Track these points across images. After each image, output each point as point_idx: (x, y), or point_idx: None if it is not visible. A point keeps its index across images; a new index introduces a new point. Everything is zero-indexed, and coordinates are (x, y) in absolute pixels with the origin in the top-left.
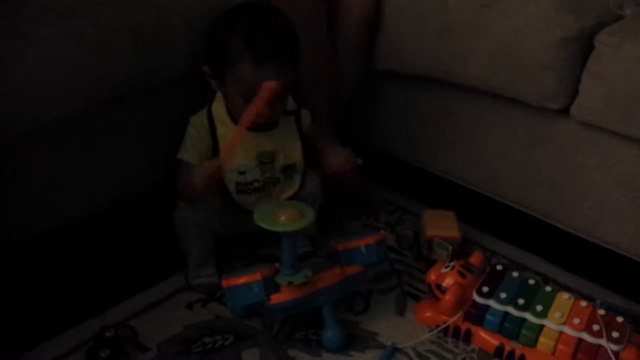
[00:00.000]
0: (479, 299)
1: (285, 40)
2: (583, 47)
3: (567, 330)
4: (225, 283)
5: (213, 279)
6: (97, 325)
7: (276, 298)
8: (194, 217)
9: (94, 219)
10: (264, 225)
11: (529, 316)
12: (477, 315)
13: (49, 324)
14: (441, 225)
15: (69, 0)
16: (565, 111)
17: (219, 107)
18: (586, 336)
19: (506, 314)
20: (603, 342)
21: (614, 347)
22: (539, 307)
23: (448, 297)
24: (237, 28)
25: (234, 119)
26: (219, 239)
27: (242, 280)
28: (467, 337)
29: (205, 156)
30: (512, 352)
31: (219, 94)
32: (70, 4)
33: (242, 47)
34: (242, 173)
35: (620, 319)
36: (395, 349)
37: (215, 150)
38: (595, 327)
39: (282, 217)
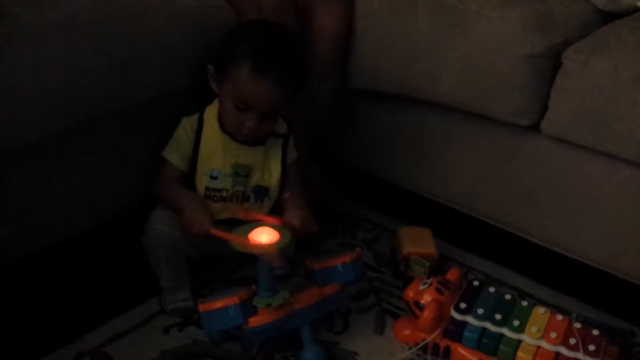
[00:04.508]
0: (457, 316)
1: (291, 63)
2: (551, 64)
3: (544, 344)
4: (201, 308)
5: (188, 303)
6: (73, 352)
7: (254, 321)
8: (161, 239)
9: (67, 242)
10: (240, 248)
11: (506, 331)
12: (456, 331)
13: (23, 351)
14: (418, 242)
15: (40, 24)
16: (535, 127)
17: (212, 110)
18: (563, 350)
19: (484, 329)
20: (580, 355)
21: None
22: (516, 322)
23: (426, 314)
24: (252, 35)
25: (222, 123)
26: (191, 261)
27: (218, 304)
28: (446, 354)
29: (188, 160)
30: None
31: (217, 100)
32: (41, 28)
33: (248, 52)
34: (215, 178)
35: (596, 332)
36: None
37: (195, 150)
38: (572, 341)
39: (258, 239)
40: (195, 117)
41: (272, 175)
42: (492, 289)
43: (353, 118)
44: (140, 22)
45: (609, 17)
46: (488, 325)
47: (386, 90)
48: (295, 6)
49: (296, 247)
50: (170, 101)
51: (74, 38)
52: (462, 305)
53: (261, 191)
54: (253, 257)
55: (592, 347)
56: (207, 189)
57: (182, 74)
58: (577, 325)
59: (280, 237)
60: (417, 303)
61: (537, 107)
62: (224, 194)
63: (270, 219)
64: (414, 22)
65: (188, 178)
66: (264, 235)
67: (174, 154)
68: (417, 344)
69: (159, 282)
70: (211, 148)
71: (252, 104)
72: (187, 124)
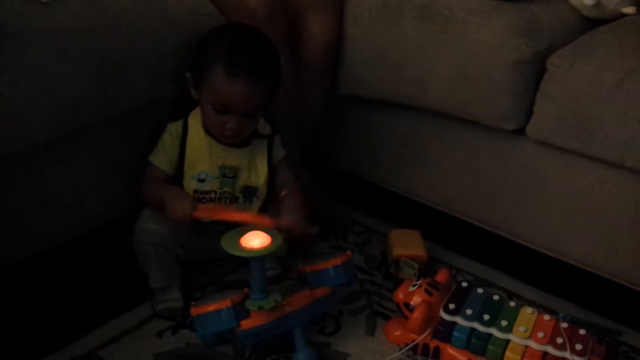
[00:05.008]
0: (446, 316)
1: (264, 62)
2: (536, 70)
3: (532, 344)
4: (194, 311)
5: (178, 303)
6: (67, 356)
7: (247, 324)
8: (149, 237)
9: (61, 247)
10: (232, 252)
11: (494, 331)
12: (445, 332)
13: (18, 355)
14: (408, 245)
15: (33, 30)
16: (521, 131)
17: (196, 114)
18: (550, 349)
19: (473, 330)
20: (567, 354)
21: (578, 359)
22: (504, 322)
23: (416, 315)
24: (223, 38)
25: (207, 128)
26: (182, 264)
27: (211, 307)
28: (436, 354)
29: (174, 163)
30: None
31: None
32: (35, 34)
33: (221, 55)
34: (202, 181)
35: (582, 331)
36: None
37: (181, 155)
38: (559, 340)
39: (250, 242)
40: (180, 122)
41: (259, 175)
42: (480, 290)
43: (343, 122)
44: (133, 29)
45: (593, 23)
46: (477, 325)
47: (375, 96)
48: (286, 14)
49: (288, 250)
50: (164, 107)
51: (67, 45)
52: (451, 306)
53: (249, 191)
54: (245, 260)
55: (579, 346)
56: (195, 191)
57: (175, 80)
58: (564, 325)
59: (271, 240)
60: (407, 304)
61: (523, 112)
62: (213, 195)
63: (262, 220)
64: (403, 29)
65: (175, 182)
66: (256, 239)
67: (160, 158)
68: (407, 344)
69: (148, 281)
70: (197, 151)
71: (230, 105)
72: (173, 128)
